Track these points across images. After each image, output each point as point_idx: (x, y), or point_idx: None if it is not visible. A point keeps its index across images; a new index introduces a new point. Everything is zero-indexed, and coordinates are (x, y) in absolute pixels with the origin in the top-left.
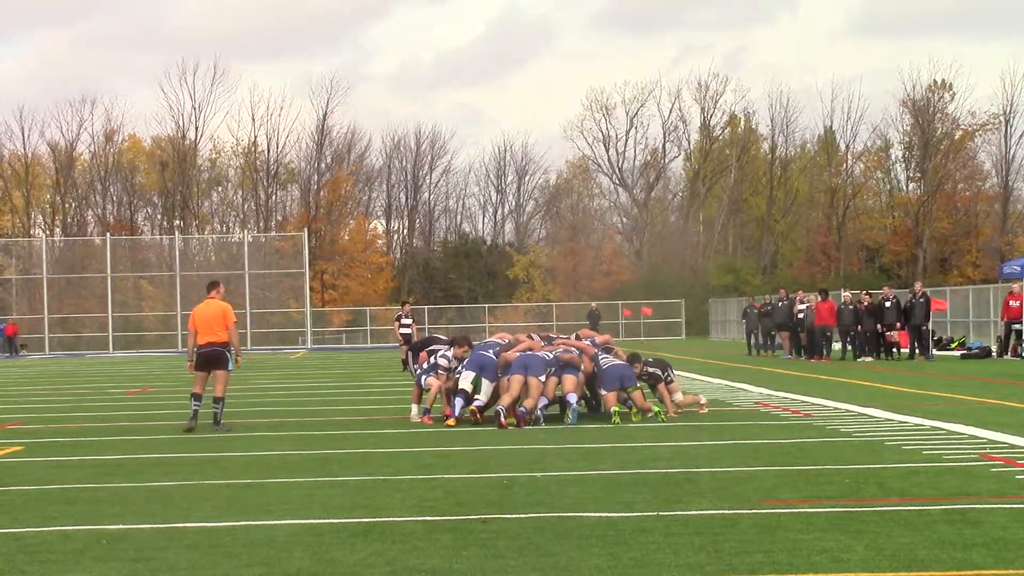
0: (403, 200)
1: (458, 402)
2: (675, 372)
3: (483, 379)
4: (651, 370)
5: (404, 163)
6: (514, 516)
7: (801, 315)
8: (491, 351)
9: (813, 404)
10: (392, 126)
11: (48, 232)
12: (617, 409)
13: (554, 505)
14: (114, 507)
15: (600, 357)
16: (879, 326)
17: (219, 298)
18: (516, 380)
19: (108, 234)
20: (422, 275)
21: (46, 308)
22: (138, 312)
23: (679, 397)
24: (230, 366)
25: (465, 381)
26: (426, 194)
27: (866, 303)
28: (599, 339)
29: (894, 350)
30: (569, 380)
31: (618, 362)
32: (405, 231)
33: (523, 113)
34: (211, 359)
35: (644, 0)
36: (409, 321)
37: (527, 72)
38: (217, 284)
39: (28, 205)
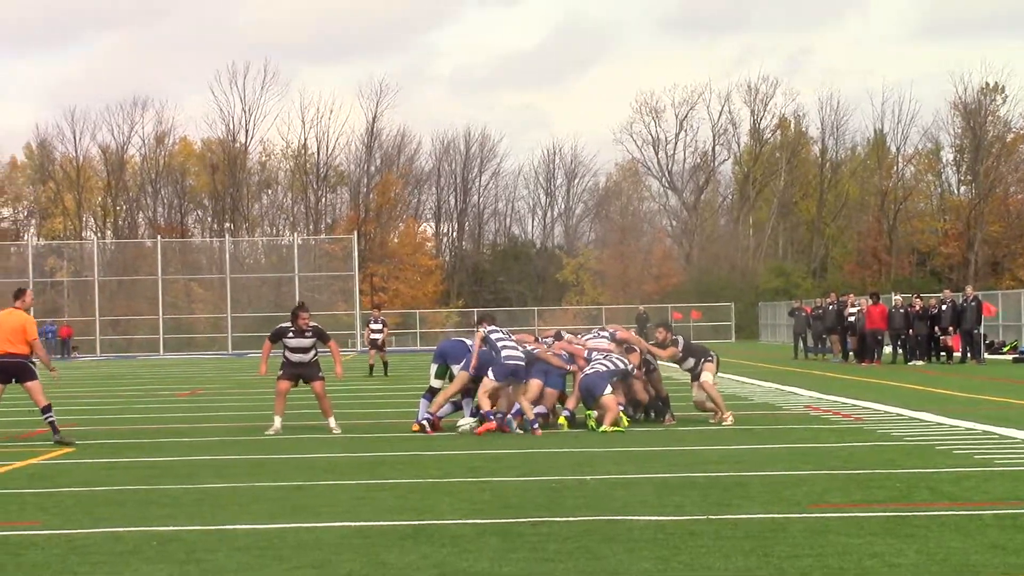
0: (452, 203)
1: (423, 403)
2: (709, 364)
3: (451, 367)
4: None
5: (453, 166)
6: (563, 519)
7: (852, 319)
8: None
9: (864, 408)
10: (442, 129)
11: (99, 235)
12: (597, 426)
13: (603, 508)
14: (164, 509)
15: (591, 363)
16: (935, 329)
17: (23, 308)
18: (535, 384)
19: (159, 237)
20: (471, 278)
21: (97, 310)
22: (188, 315)
23: (699, 395)
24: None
25: (433, 377)
26: (475, 197)
27: (917, 307)
28: (619, 334)
29: (944, 354)
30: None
31: (591, 370)
32: (454, 234)
33: (575, 116)
34: (10, 371)
35: (708, 2)
36: (379, 326)
37: (584, 75)
38: (23, 292)
39: (80, 208)
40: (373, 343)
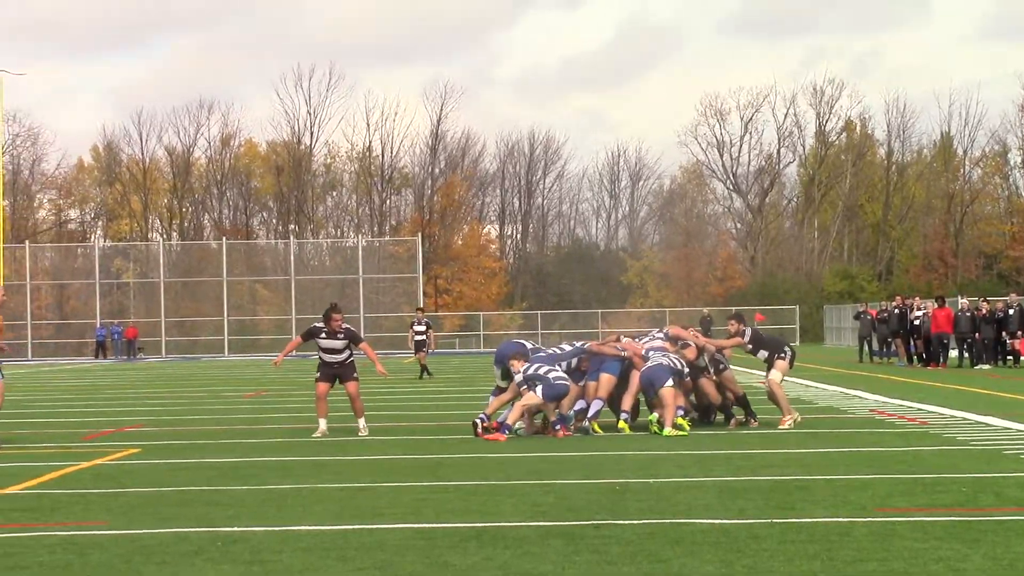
0: (516, 205)
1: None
2: (781, 361)
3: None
4: (718, 356)
5: (518, 168)
6: (626, 522)
7: (917, 322)
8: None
9: (929, 412)
10: (506, 131)
11: (165, 236)
12: (629, 426)
13: (666, 511)
14: (229, 509)
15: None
16: (1002, 333)
17: None
18: (606, 379)
19: (224, 238)
20: (535, 280)
21: (163, 311)
22: (253, 316)
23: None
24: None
25: (499, 379)
26: (540, 199)
27: (984, 310)
28: (672, 331)
29: (1011, 358)
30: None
31: (654, 363)
32: (518, 236)
33: (639, 118)
34: None
35: (773, 4)
36: (423, 328)
37: (649, 77)
38: None
39: (146, 209)
40: (418, 345)
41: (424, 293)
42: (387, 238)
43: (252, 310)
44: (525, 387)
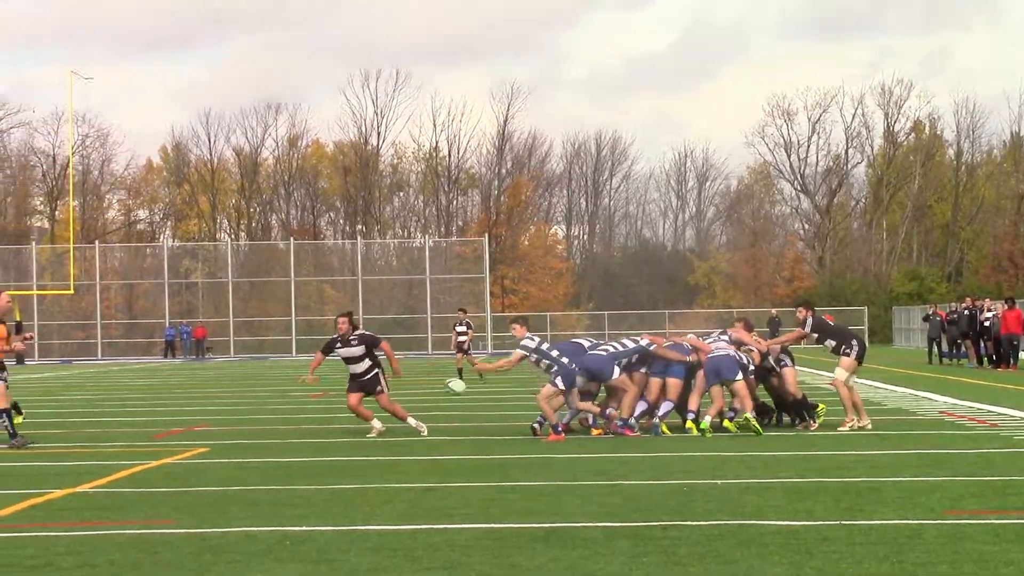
0: (583, 205)
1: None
2: (846, 358)
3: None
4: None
5: (584, 168)
6: (694, 523)
7: (987, 323)
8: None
9: (1000, 414)
10: (573, 131)
11: (233, 236)
12: (703, 426)
13: (734, 512)
14: (297, 509)
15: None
16: None
17: None
18: (655, 383)
19: (291, 239)
20: (602, 280)
21: (231, 311)
22: (320, 316)
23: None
24: None
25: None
26: (606, 200)
27: None
28: (735, 334)
29: None
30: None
31: (721, 352)
32: (585, 236)
33: (706, 119)
34: None
35: (840, 4)
36: (464, 328)
37: (716, 78)
38: None
39: (214, 210)
40: (459, 346)
41: (491, 293)
42: (454, 238)
43: (319, 310)
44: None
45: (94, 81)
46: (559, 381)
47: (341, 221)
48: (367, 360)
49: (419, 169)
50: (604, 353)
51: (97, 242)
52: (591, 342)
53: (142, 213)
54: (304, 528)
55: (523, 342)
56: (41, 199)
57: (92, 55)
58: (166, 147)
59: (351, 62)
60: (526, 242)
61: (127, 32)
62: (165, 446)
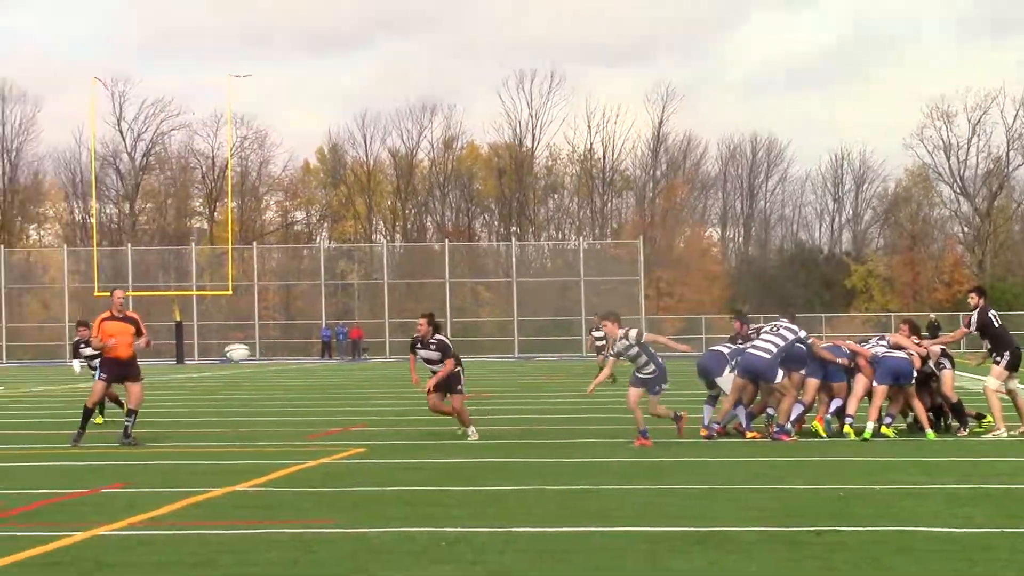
0: (739, 208)
1: (707, 409)
2: (996, 366)
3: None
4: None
5: (740, 171)
6: (851, 529)
7: None
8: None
9: None
10: (728, 133)
11: (388, 238)
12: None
13: (892, 518)
14: (452, 509)
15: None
16: None
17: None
18: (812, 384)
19: (446, 240)
20: (757, 283)
21: (386, 312)
22: (475, 317)
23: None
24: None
25: (707, 386)
26: (762, 202)
27: None
28: (892, 339)
29: None
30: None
31: (901, 355)
32: (740, 239)
33: (863, 120)
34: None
35: (999, 3)
36: (601, 334)
37: (872, 79)
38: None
39: (370, 211)
40: (598, 350)
41: (645, 296)
42: (608, 240)
43: (474, 311)
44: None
45: (254, 83)
46: (660, 387)
47: (496, 223)
48: (442, 364)
49: (573, 171)
50: (767, 355)
51: (255, 243)
52: (730, 348)
53: (299, 214)
54: (460, 529)
55: (620, 340)
56: (200, 200)
57: (251, 58)
58: (323, 149)
59: (506, 63)
60: (681, 244)
61: (287, 35)
62: (322, 446)
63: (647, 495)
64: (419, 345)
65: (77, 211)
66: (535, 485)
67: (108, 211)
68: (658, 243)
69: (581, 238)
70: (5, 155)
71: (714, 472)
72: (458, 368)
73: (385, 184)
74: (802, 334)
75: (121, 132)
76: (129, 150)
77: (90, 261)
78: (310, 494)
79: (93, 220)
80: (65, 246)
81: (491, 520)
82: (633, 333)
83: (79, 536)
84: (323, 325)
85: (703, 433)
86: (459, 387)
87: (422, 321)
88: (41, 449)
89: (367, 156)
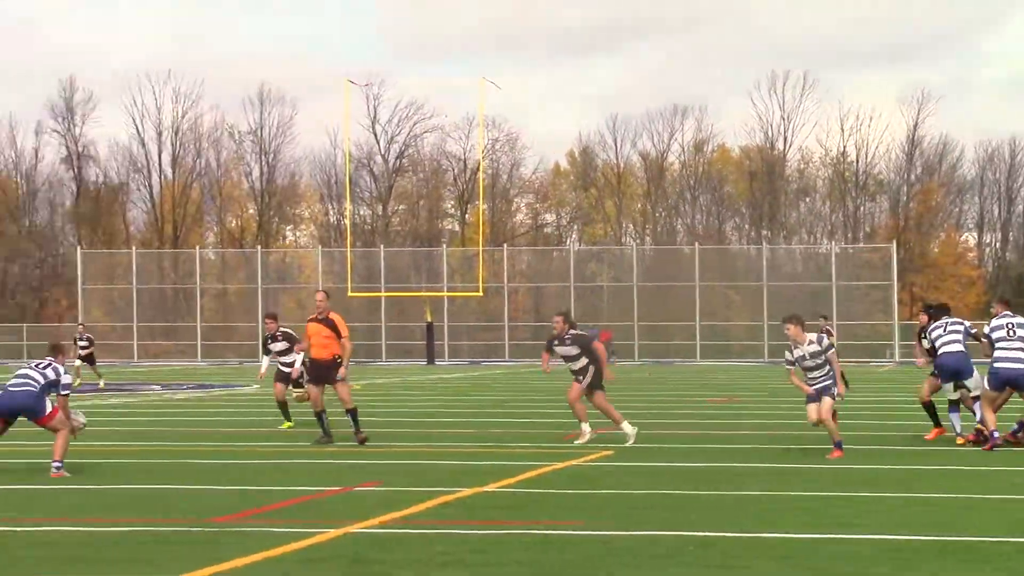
0: (996, 212)
1: (953, 417)
2: None
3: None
4: None
5: (997, 174)
6: None
7: None
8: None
9: None
10: (986, 136)
11: (638, 241)
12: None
13: None
14: (700, 513)
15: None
16: None
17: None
18: None
19: (696, 243)
20: (1015, 289)
21: (635, 315)
22: (724, 321)
23: None
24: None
25: (951, 390)
26: (1020, 206)
27: None
28: None
29: None
30: None
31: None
32: (998, 244)
33: None
34: None
35: None
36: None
37: None
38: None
39: (619, 214)
40: None
41: (899, 301)
42: (861, 245)
43: (724, 315)
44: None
45: (506, 85)
46: (836, 391)
47: (746, 226)
48: (583, 358)
49: (826, 174)
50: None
51: (505, 245)
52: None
53: (549, 217)
54: (707, 533)
55: (810, 345)
56: (452, 202)
57: (503, 61)
58: (573, 151)
59: (759, 66)
60: (935, 249)
61: (538, 38)
62: (571, 448)
63: (896, 503)
64: (556, 342)
65: (331, 212)
66: (784, 491)
67: (362, 213)
68: (912, 248)
69: (833, 242)
70: (263, 157)
71: (967, 481)
72: (593, 367)
73: (635, 187)
74: None
75: (375, 134)
76: (383, 152)
77: (344, 262)
78: (557, 495)
79: (347, 222)
80: (320, 247)
81: (740, 525)
82: (826, 341)
83: (334, 533)
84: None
85: (960, 441)
86: (596, 385)
87: (558, 319)
88: (300, 448)
89: (617, 159)
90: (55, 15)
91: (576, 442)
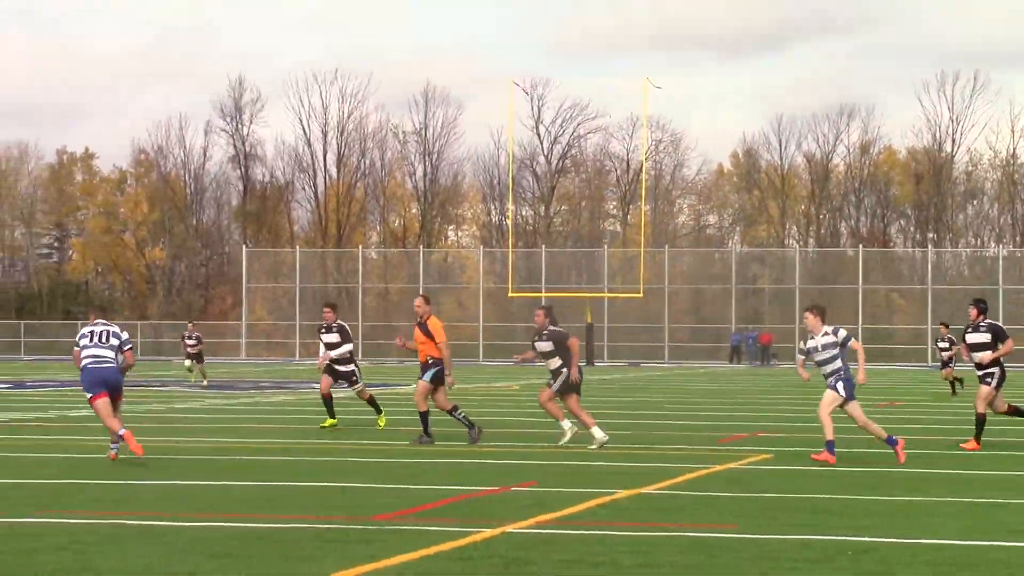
0: None
1: None
2: None
3: None
4: None
5: None
6: None
7: None
8: None
9: None
10: None
11: (801, 243)
12: None
13: None
14: (857, 519)
15: None
16: None
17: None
18: None
19: (860, 246)
20: None
21: (797, 318)
22: (888, 324)
23: None
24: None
25: None
26: None
27: None
28: None
29: None
30: None
31: None
32: None
33: None
34: None
35: None
36: (947, 345)
37: None
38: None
39: (783, 216)
40: (944, 363)
41: None
42: None
43: (887, 319)
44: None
45: (667, 86)
46: (840, 387)
47: (912, 229)
48: (557, 358)
49: (995, 177)
50: None
51: (667, 246)
52: None
53: (711, 218)
54: (865, 539)
55: (824, 336)
56: (614, 203)
57: (667, 61)
58: (737, 153)
59: (927, 67)
60: None
61: (701, 39)
62: (728, 451)
63: None
64: (535, 337)
65: (494, 213)
66: (945, 496)
67: (523, 213)
68: None
69: (1000, 245)
70: (427, 157)
71: None
72: (565, 369)
73: (799, 188)
74: None
75: (538, 135)
76: (546, 153)
77: (505, 262)
78: (714, 498)
79: (509, 222)
80: (481, 247)
81: (900, 531)
82: (843, 332)
83: (488, 532)
84: (732, 330)
85: None
86: (564, 388)
87: (539, 312)
88: (459, 448)
89: (781, 160)
90: (227, 17)
91: (560, 442)
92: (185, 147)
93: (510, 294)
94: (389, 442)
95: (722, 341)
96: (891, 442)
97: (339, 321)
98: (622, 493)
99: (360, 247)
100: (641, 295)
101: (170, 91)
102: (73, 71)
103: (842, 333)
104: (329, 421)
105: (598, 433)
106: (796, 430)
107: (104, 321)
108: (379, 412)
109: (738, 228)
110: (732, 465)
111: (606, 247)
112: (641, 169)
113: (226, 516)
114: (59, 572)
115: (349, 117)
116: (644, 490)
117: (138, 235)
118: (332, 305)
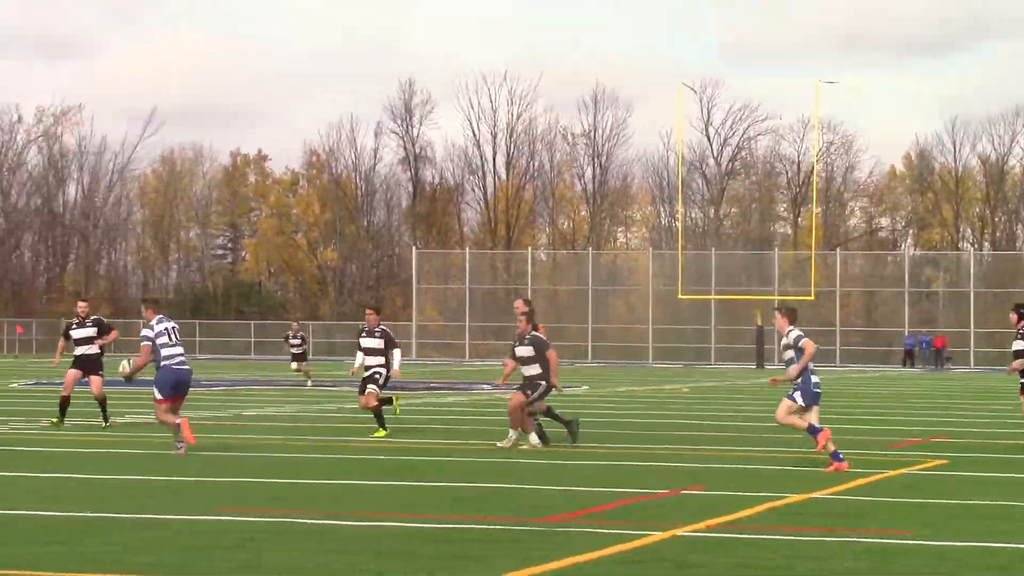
0: None
1: None
2: None
3: None
4: None
5: None
6: None
7: None
8: None
9: None
10: None
11: (976, 246)
12: None
13: None
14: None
15: None
16: None
17: None
18: None
19: None
20: None
21: (972, 322)
22: None
23: None
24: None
25: None
26: None
27: None
28: None
29: None
30: None
31: None
32: None
33: None
34: None
35: None
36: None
37: None
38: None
39: (957, 218)
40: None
41: None
42: None
43: None
44: None
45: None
46: (798, 396)
47: None
48: (536, 366)
49: None
50: None
51: (838, 249)
52: None
53: (884, 221)
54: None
55: (784, 339)
56: (785, 205)
57: (839, 62)
58: (910, 155)
59: None
60: None
61: (876, 40)
62: (903, 456)
63: None
64: (516, 341)
65: (663, 215)
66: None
67: (693, 215)
68: None
69: None
70: (596, 159)
71: None
72: (543, 379)
73: (974, 191)
74: None
75: (708, 137)
76: (715, 154)
77: (674, 264)
78: (888, 504)
79: (679, 224)
80: (651, 249)
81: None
82: (795, 333)
83: (658, 536)
84: (905, 333)
85: None
86: (532, 394)
87: (522, 317)
88: (630, 449)
89: (956, 162)
90: (399, 21)
91: (498, 444)
92: (356, 149)
93: (680, 296)
94: (559, 446)
95: (895, 345)
96: (813, 431)
97: (383, 326)
98: (795, 497)
99: (529, 249)
100: (812, 298)
101: (341, 93)
102: (246, 73)
103: (793, 334)
104: (380, 432)
105: (534, 439)
106: (973, 436)
107: (165, 316)
108: (382, 425)
109: (911, 231)
110: (907, 470)
111: (776, 250)
112: (812, 171)
113: (394, 516)
114: (232, 571)
115: (518, 119)
116: (818, 495)
117: (310, 236)
118: (376, 308)
